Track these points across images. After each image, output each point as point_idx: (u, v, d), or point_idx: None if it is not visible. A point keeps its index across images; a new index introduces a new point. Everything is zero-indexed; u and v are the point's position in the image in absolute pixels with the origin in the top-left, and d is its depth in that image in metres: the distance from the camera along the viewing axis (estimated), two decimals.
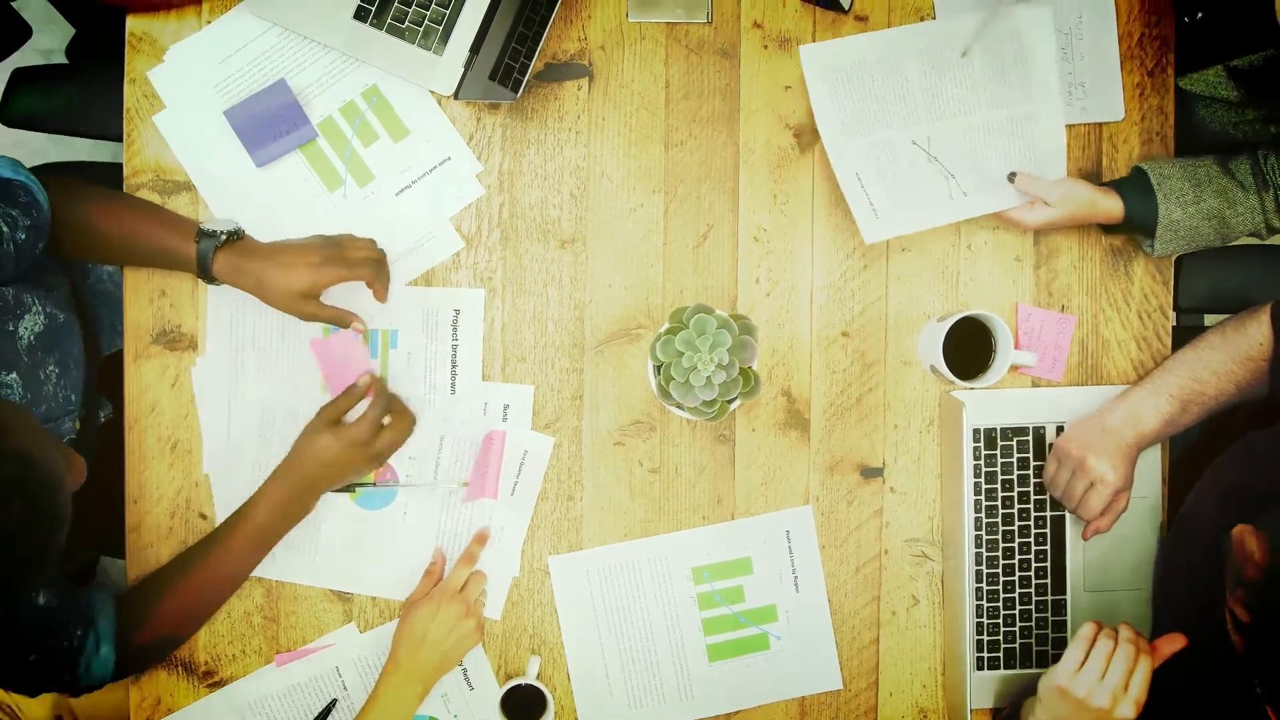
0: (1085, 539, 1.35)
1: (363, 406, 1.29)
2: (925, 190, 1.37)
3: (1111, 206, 1.34)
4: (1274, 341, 1.27)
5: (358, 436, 1.27)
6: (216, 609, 1.34)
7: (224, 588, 1.32)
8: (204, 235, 1.26)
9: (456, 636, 1.30)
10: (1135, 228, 1.35)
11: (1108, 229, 1.38)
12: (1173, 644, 1.18)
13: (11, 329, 1.17)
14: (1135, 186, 1.34)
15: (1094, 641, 1.18)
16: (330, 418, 1.28)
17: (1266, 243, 1.46)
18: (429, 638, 1.29)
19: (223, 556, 1.28)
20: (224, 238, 1.26)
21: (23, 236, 1.16)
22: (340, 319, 1.29)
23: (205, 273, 1.26)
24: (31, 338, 1.19)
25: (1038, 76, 1.37)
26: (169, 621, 1.29)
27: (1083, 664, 1.17)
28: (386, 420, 1.30)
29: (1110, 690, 1.16)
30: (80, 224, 1.25)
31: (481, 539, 1.36)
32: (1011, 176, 1.36)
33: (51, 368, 1.22)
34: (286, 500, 1.28)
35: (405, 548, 1.37)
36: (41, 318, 1.21)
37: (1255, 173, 1.32)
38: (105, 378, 1.41)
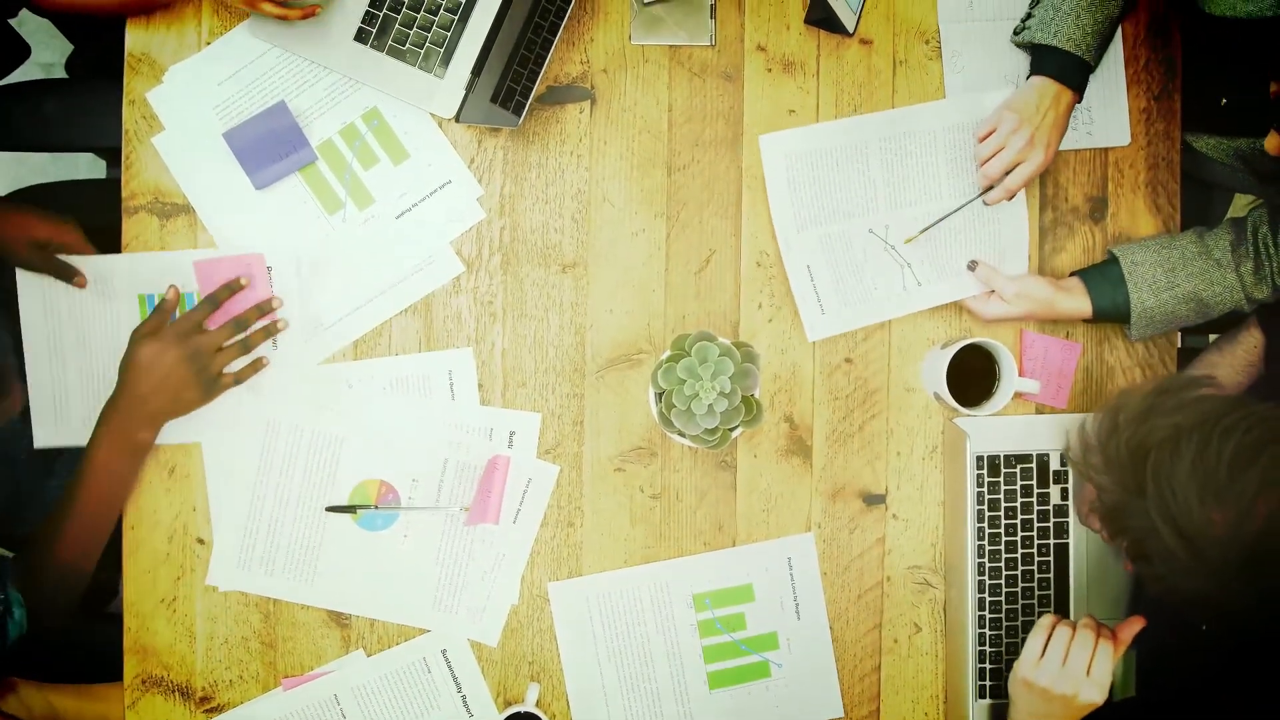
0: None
1: None
2: (878, 281, 1.37)
3: (1074, 306, 1.33)
4: (1264, 337, 1.29)
5: (179, 330, 1.25)
6: (94, 562, 1.31)
7: (93, 543, 1.29)
8: None
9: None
10: (1110, 318, 1.35)
11: (1084, 319, 1.37)
12: (1132, 627, 1.19)
13: None
14: (1105, 276, 1.33)
15: (1052, 631, 1.19)
16: (144, 331, 1.26)
17: None
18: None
19: (80, 515, 1.26)
20: None
21: None
22: None
23: None
24: None
25: None
26: (63, 580, 1.29)
27: (1043, 654, 1.18)
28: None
29: (1073, 676, 1.16)
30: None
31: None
32: (972, 265, 1.36)
33: None
34: (122, 433, 1.26)
35: (405, 570, 1.36)
36: None
37: (1236, 245, 1.30)
38: None
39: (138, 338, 1.27)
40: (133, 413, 1.26)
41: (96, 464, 1.26)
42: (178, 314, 1.30)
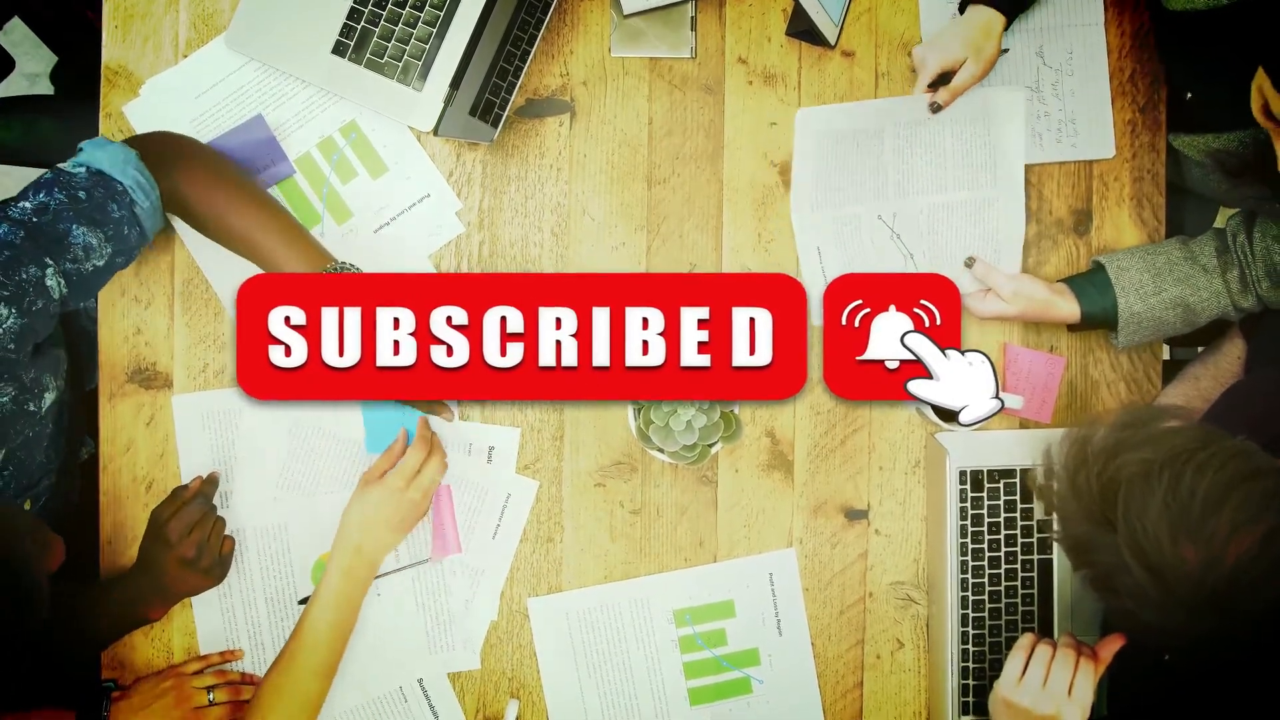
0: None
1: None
2: (881, 270, 1.36)
3: (1067, 310, 1.32)
4: (1245, 343, 1.29)
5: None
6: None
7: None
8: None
9: (402, 514, 1.27)
10: (1098, 324, 1.33)
11: (1072, 326, 1.35)
12: (1113, 645, 1.18)
13: (33, 409, 1.15)
14: (1092, 282, 1.32)
15: (1033, 650, 1.18)
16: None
17: None
18: (379, 519, 1.26)
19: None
20: None
21: (97, 264, 1.12)
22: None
23: None
24: (48, 409, 1.17)
25: (1004, 162, 1.36)
26: None
27: (1024, 674, 1.17)
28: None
29: (1054, 697, 1.15)
30: (201, 216, 1.21)
31: (426, 424, 1.31)
32: (969, 261, 1.35)
33: (49, 429, 1.20)
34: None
35: (392, 628, 1.34)
36: (54, 393, 1.18)
37: (1221, 252, 1.29)
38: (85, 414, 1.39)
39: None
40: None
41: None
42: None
